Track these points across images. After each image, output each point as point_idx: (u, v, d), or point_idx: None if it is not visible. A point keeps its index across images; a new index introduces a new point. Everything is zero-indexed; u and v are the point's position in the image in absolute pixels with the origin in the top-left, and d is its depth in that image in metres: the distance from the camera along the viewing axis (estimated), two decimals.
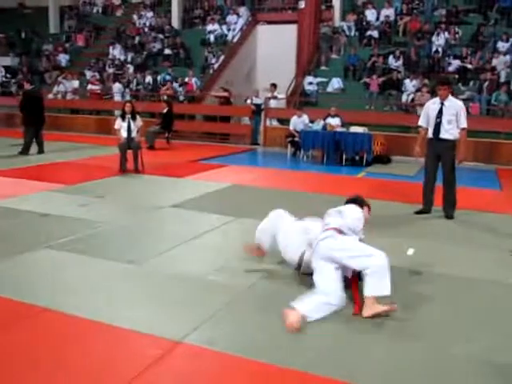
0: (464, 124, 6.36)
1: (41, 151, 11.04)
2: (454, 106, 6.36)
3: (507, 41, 14.62)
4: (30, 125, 10.94)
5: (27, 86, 11.75)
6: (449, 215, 6.46)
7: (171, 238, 5.24)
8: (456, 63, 14.49)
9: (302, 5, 16.46)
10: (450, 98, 6.43)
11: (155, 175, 8.89)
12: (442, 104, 6.36)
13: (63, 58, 20.29)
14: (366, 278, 3.58)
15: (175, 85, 16.63)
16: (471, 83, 13.94)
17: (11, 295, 3.71)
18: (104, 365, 2.89)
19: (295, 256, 4.25)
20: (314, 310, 3.49)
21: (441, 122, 6.35)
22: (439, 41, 15.33)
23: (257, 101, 14.41)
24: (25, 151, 10.79)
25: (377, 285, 3.54)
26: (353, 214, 4.13)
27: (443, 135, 6.36)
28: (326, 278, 3.69)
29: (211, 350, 3.04)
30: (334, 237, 3.82)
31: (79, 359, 2.93)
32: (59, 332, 3.25)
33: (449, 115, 6.32)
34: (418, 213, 6.60)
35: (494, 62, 14.11)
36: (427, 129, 6.55)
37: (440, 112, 6.35)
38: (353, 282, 3.83)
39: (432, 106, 6.51)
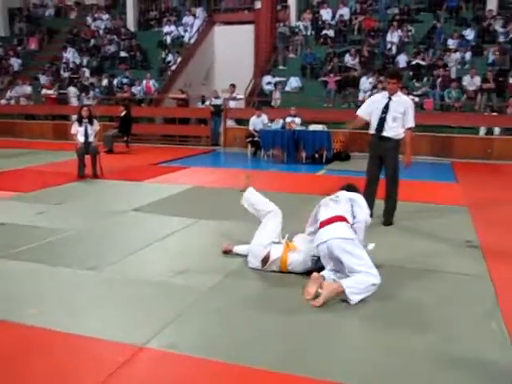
0: (411, 123, 5.83)
1: None
2: (402, 103, 5.81)
3: (457, 38, 15.06)
4: None
5: None
6: (387, 222, 5.98)
7: (132, 243, 5.18)
8: (409, 60, 14.83)
9: (258, 5, 16.56)
10: (399, 93, 5.90)
11: (115, 180, 8.77)
12: (390, 99, 5.81)
13: (15, 62, 19.76)
14: (352, 279, 3.73)
15: (135, 89, 16.42)
16: (425, 79, 14.29)
17: None
18: (66, 375, 2.84)
19: (261, 252, 4.32)
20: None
21: (385, 118, 5.79)
22: (393, 38, 15.66)
23: (216, 102, 14.39)
24: None
25: (354, 290, 3.68)
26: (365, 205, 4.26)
27: (386, 133, 5.82)
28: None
29: (174, 354, 3.03)
30: (348, 241, 3.88)
31: (40, 370, 2.87)
32: (17, 344, 3.17)
33: (395, 112, 5.76)
34: None
35: (446, 58, 14.52)
36: (363, 121, 6.10)
37: (386, 107, 5.79)
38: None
39: (379, 99, 5.98)
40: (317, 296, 3.71)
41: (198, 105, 15.45)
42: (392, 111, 5.79)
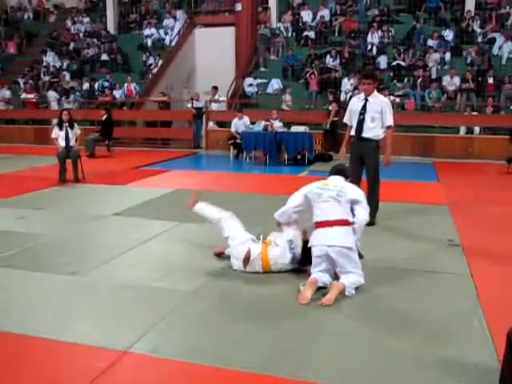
0: (389, 122, 5.87)
1: None
2: (379, 103, 5.86)
3: (436, 39, 15.22)
4: None
5: None
6: (369, 222, 5.91)
7: (114, 247, 5.14)
8: (390, 61, 14.96)
9: (238, 7, 16.56)
10: (376, 93, 5.93)
11: (96, 184, 8.70)
12: (366, 100, 5.86)
13: None
14: (348, 279, 3.92)
15: (116, 92, 16.31)
16: (405, 80, 14.42)
17: None
18: (48, 382, 2.80)
19: (242, 250, 4.35)
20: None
21: (364, 119, 5.86)
22: (373, 39, 15.77)
23: (197, 104, 14.35)
24: None
25: (349, 288, 3.89)
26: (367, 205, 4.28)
27: (366, 134, 5.88)
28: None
29: (158, 358, 3.00)
30: (349, 249, 3.98)
31: (22, 378, 2.83)
32: None
33: (373, 112, 5.81)
34: None
35: (426, 59, 14.66)
36: (351, 127, 6.13)
37: (363, 108, 5.85)
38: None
39: (356, 101, 6.04)
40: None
41: (186, 106, 15.23)
42: (370, 112, 5.84)
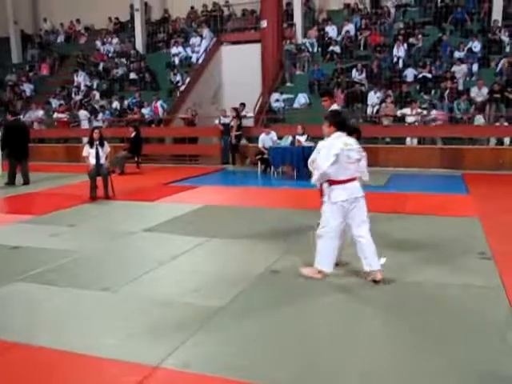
0: None
1: (26, 182, 10.88)
2: None
3: (463, 50, 15.10)
4: (11, 156, 10.88)
5: (10, 118, 11.61)
6: None
7: (144, 263, 5.21)
8: (416, 73, 14.89)
9: (264, 24, 16.73)
10: (333, 107, 6.47)
11: (126, 200, 8.84)
12: None
13: (27, 88, 20.14)
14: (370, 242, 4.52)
15: (144, 110, 16.61)
16: (433, 92, 14.31)
17: None
18: None
19: None
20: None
21: None
22: (399, 52, 15.73)
23: (225, 120, 14.49)
24: (10, 182, 10.71)
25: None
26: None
27: None
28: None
29: (188, 373, 3.04)
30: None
31: None
32: (31, 366, 3.20)
33: None
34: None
35: (454, 71, 14.54)
36: None
37: None
38: None
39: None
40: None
41: (214, 122, 15.39)
42: None
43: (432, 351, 3.24)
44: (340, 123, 4.62)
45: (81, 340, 3.50)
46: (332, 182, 4.49)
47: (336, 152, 4.40)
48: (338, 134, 4.54)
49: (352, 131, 4.98)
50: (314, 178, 4.65)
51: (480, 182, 10.19)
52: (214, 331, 3.62)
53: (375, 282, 4.42)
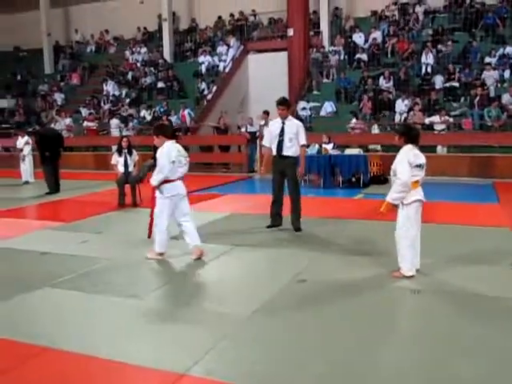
0: (303, 141, 6.83)
1: (56, 190, 11.05)
2: (294, 125, 6.80)
3: (494, 56, 14.84)
4: (44, 163, 11.04)
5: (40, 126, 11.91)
6: (296, 227, 6.87)
7: (171, 271, 5.26)
8: (445, 80, 14.70)
9: (290, 32, 16.78)
10: (290, 117, 6.93)
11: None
12: (283, 123, 6.78)
13: (59, 97, 20.59)
14: None
15: (171, 118, 16.77)
16: (462, 99, 14.10)
17: (11, 336, 3.69)
18: None
19: None
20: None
21: (283, 140, 6.75)
22: (428, 60, 15.55)
23: (251, 129, 14.53)
24: (52, 190, 10.86)
25: None
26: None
27: (285, 152, 6.77)
28: None
29: (215, 381, 3.02)
30: None
31: None
32: (60, 371, 3.23)
33: (290, 134, 6.73)
34: (269, 227, 7.03)
35: (484, 77, 14.31)
36: (271, 148, 6.93)
37: (282, 131, 6.76)
38: None
39: (274, 125, 6.91)
40: None
41: (240, 131, 15.48)
42: (287, 133, 6.77)
43: (459, 363, 3.16)
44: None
45: (107, 346, 3.53)
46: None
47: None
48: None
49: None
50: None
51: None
52: (239, 340, 3.60)
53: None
